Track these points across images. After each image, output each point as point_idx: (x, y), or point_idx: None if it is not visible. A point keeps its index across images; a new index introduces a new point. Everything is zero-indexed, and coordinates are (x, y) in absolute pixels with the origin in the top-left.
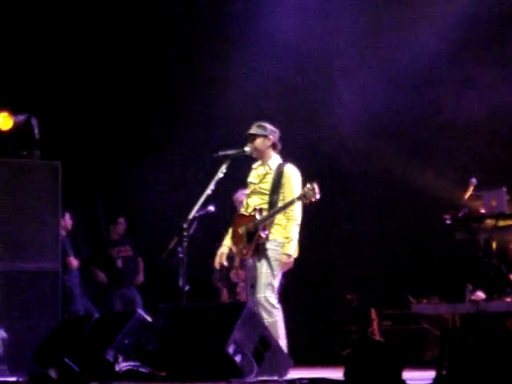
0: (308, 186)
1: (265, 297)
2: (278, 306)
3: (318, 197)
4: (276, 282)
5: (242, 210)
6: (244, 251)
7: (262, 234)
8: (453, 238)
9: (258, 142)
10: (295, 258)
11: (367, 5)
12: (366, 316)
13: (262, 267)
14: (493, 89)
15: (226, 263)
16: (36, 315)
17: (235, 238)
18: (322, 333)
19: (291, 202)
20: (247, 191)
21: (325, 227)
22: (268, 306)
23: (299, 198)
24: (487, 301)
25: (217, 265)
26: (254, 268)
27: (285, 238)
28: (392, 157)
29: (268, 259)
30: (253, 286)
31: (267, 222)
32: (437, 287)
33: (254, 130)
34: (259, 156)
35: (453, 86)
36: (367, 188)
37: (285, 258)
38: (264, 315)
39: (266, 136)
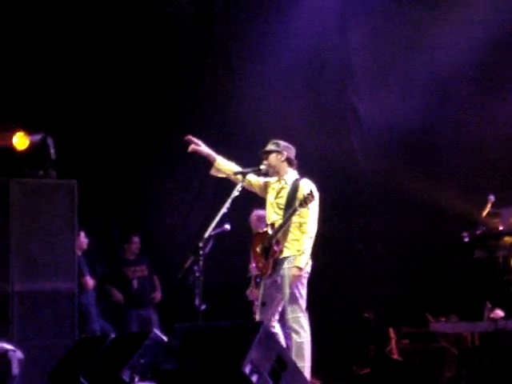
0: (308, 192)
1: (293, 318)
2: (307, 327)
3: (314, 199)
4: (303, 301)
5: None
6: (264, 269)
7: (276, 248)
8: (471, 256)
9: (272, 157)
10: (310, 275)
11: (385, 21)
12: (383, 335)
13: (285, 287)
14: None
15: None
16: (52, 335)
17: (255, 257)
18: (340, 352)
19: (294, 211)
20: (266, 209)
21: (342, 245)
22: (297, 327)
23: (300, 205)
24: (506, 319)
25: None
26: (274, 286)
27: (297, 251)
28: (410, 173)
29: (289, 278)
30: (264, 303)
31: (279, 236)
32: (455, 305)
33: (268, 147)
34: (274, 172)
35: (472, 101)
36: (383, 205)
37: (295, 271)
38: (293, 335)
39: (279, 152)
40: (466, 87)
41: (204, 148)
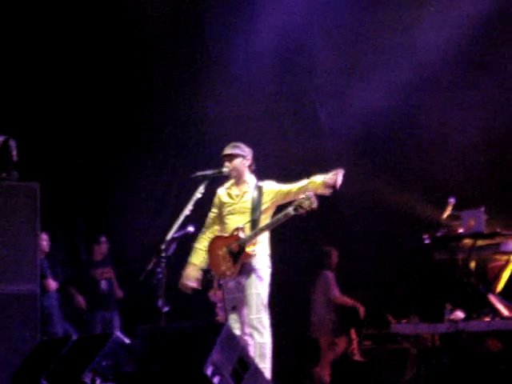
0: (303, 196)
1: (257, 318)
2: (268, 327)
3: (315, 205)
4: (266, 301)
5: (218, 232)
6: (228, 272)
7: (251, 253)
8: (432, 258)
9: (237, 161)
10: (273, 274)
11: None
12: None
13: (251, 287)
14: (475, 111)
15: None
16: (14, 337)
17: (215, 260)
18: (302, 354)
19: (285, 215)
20: (215, 211)
21: (304, 247)
22: (260, 327)
23: (295, 210)
24: (466, 320)
25: (189, 290)
26: (240, 289)
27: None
28: (371, 177)
29: (257, 279)
30: (234, 307)
31: (254, 240)
32: (416, 307)
33: (230, 150)
34: (237, 176)
35: (436, 104)
36: (345, 208)
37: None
38: (255, 335)
39: (244, 156)
40: (428, 89)
41: (195, 283)
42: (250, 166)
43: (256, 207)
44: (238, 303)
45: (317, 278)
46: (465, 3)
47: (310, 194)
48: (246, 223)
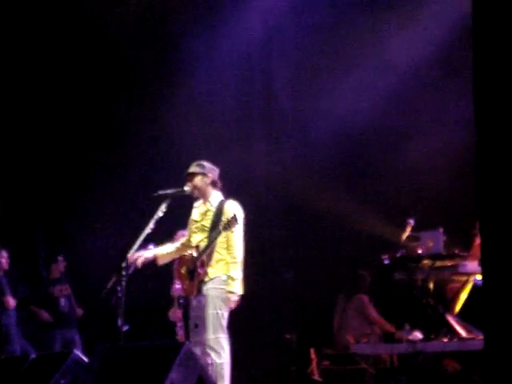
0: (228, 216)
1: (215, 338)
2: (227, 348)
3: (238, 223)
4: (224, 322)
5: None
6: (188, 291)
7: (200, 271)
8: (391, 278)
9: (197, 179)
10: (241, 296)
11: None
12: (305, 356)
13: (209, 307)
14: (436, 130)
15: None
16: None
17: (179, 279)
18: (261, 372)
19: (218, 233)
20: (188, 230)
21: (265, 266)
22: (217, 348)
23: (224, 228)
24: (424, 341)
25: (139, 264)
26: (199, 308)
27: (228, 277)
28: (332, 196)
29: (213, 298)
30: (197, 325)
31: (204, 259)
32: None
33: (192, 168)
34: (199, 194)
35: (400, 126)
36: (306, 227)
37: (230, 296)
38: (213, 356)
39: (204, 174)
40: (396, 108)
41: (146, 254)
42: (213, 184)
43: (215, 226)
44: (199, 322)
45: (349, 301)
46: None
47: (234, 213)
48: (200, 241)
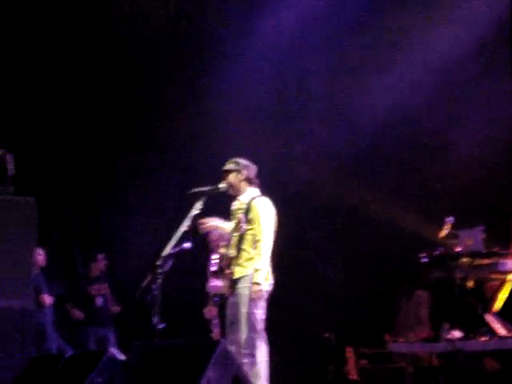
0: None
1: (249, 337)
2: (261, 346)
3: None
4: (259, 320)
5: None
6: (224, 288)
7: (229, 269)
8: (429, 277)
9: (231, 176)
10: (272, 293)
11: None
12: (342, 355)
13: (241, 306)
14: (475, 128)
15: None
16: (5, 354)
17: (215, 275)
18: (299, 372)
19: (242, 230)
20: None
21: (302, 265)
22: (252, 347)
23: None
24: (463, 340)
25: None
26: (234, 306)
27: (253, 270)
28: (369, 194)
29: (245, 297)
30: (232, 323)
31: (230, 257)
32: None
33: (227, 166)
34: (234, 191)
35: (434, 126)
36: (343, 225)
37: (254, 287)
38: (246, 355)
39: (238, 171)
40: (434, 105)
41: (214, 223)
42: (247, 180)
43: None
44: (235, 320)
45: (410, 297)
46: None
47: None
48: (232, 238)
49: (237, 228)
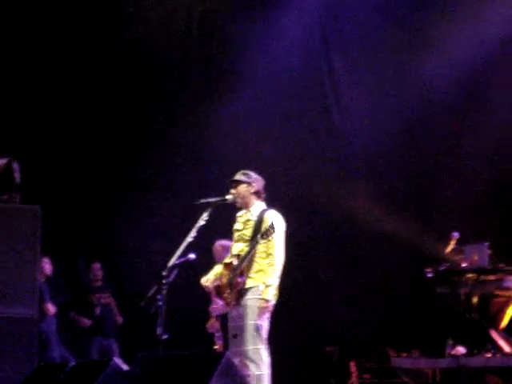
0: (267, 225)
1: (254, 349)
2: (266, 359)
3: (275, 232)
4: (264, 333)
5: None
6: (228, 300)
7: (239, 280)
8: (434, 292)
9: (241, 188)
10: (275, 306)
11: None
12: (345, 369)
13: (248, 318)
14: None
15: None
16: (10, 362)
17: (220, 288)
18: None
19: (256, 243)
20: (233, 240)
21: (306, 278)
22: (256, 359)
23: (262, 237)
24: (467, 356)
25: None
26: (238, 318)
27: (264, 284)
28: (374, 208)
29: (252, 308)
30: (235, 335)
31: (243, 267)
32: (417, 341)
33: (238, 176)
34: (242, 203)
35: (439, 141)
36: (348, 239)
37: (262, 303)
38: (251, 367)
39: (249, 183)
40: (440, 120)
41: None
42: (256, 194)
43: (254, 235)
44: (238, 332)
45: None
46: None
47: (272, 222)
48: (241, 251)
49: (247, 239)
